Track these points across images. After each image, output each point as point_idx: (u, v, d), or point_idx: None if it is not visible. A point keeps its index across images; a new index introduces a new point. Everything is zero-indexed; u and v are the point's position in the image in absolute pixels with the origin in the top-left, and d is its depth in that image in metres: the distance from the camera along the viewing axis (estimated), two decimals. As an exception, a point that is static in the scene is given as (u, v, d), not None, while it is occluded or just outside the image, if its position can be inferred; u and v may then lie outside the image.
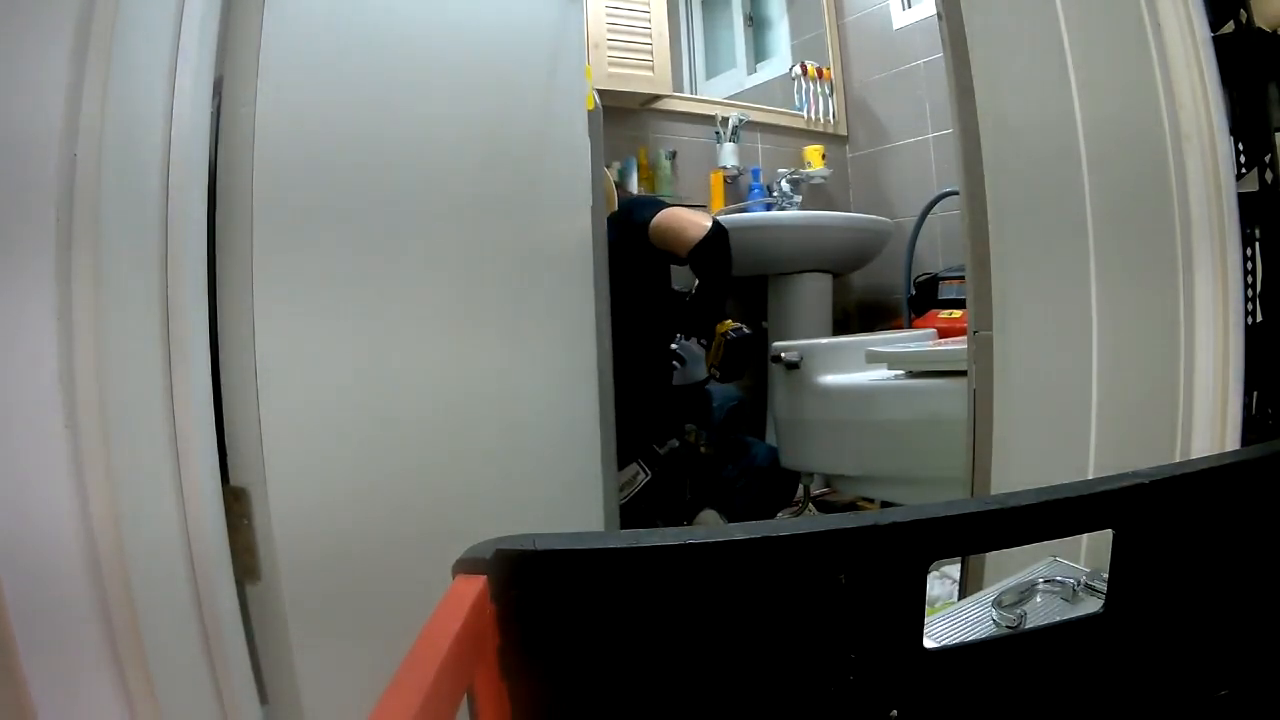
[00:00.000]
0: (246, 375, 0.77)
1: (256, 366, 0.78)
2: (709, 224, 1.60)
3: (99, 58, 0.59)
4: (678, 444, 1.71)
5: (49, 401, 0.57)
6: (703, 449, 1.75)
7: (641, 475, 1.60)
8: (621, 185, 1.96)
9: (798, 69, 2.70)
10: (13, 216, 0.56)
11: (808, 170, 2.59)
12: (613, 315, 1.59)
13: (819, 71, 2.72)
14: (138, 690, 0.60)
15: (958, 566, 1.01)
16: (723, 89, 2.89)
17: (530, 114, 1.10)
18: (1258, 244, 0.75)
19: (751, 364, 1.72)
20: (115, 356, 0.61)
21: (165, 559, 0.65)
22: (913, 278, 2.35)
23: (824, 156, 2.61)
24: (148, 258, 0.65)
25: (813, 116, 2.72)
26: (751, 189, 2.55)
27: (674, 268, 1.72)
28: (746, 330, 1.67)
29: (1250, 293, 0.74)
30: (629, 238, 1.63)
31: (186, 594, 0.66)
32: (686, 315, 1.72)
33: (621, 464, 1.58)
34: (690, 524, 1.64)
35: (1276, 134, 0.75)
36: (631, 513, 1.59)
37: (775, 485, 1.86)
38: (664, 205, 1.68)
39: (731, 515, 1.73)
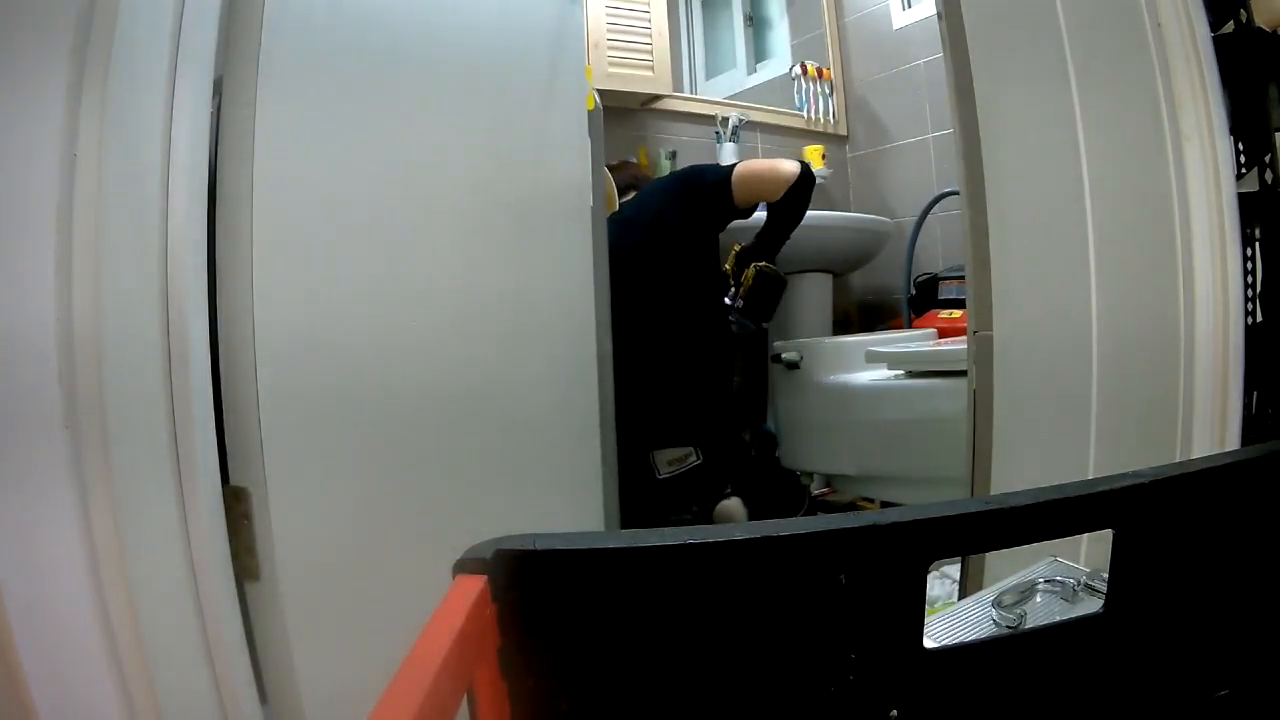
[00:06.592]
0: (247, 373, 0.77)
1: (256, 366, 0.78)
2: (797, 164, 1.61)
3: None
4: (748, 438, 1.70)
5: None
6: (753, 452, 1.75)
7: (693, 458, 1.61)
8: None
9: (798, 69, 2.70)
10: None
11: (808, 170, 2.59)
12: (678, 293, 1.61)
13: (819, 71, 2.72)
14: (137, 690, 0.60)
15: (958, 566, 1.01)
16: (723, 89, 2.89)
17: (530, 114, 1.10)
18: (1258, 244, 0.75)
19: (774, 314, 1.74)
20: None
21: (165, 560, 0.65)
22: (913, 278, 2.35)
23: (824, 156, 2.61)
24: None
25: (813, 116, 2.72)
26: (752, 189, 2.54)
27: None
28: (782, 274, 1.70)
29: (1250, 293, 0.74)
30: (704, 201, 1.62)
31: (187, 594, 0.66)
32: (748, 258, 1.72)
33: (678, 442, 1.60)
34: (715, 508, 1.65)
35: (1276, 134, 0.75)
36: (671, 490, 1.61)
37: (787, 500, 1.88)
38: (721, 166, 1.65)
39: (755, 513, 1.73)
